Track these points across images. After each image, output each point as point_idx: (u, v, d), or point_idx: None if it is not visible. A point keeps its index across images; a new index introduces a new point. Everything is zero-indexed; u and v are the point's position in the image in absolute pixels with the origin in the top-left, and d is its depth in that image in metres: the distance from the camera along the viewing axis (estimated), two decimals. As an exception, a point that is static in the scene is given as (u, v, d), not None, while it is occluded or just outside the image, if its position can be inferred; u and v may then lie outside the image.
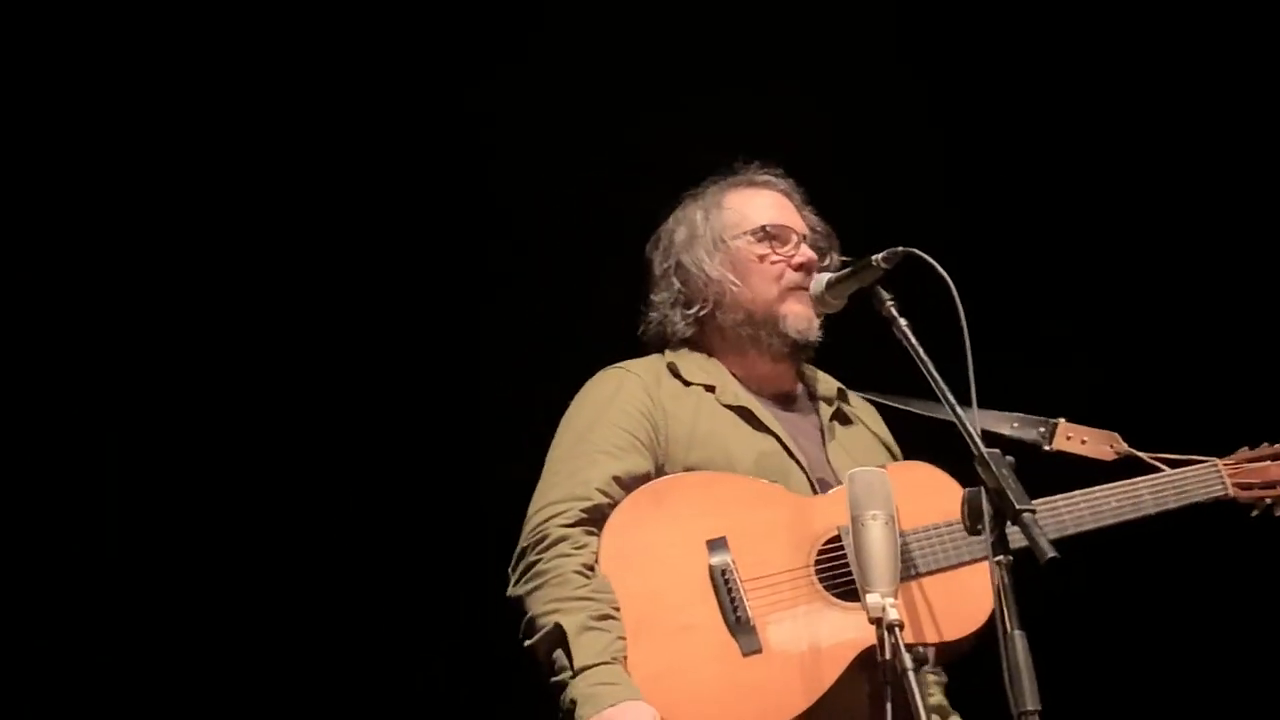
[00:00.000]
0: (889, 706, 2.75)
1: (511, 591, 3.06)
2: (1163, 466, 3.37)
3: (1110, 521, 3.25)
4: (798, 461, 3.23)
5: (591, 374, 3.32)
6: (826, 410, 3.36)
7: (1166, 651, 4.50)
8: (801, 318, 3.29)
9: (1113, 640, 4.45)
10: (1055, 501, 3.19)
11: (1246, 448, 3.46)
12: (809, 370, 3.41)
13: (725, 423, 3.22)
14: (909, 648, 2.77)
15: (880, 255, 3.11)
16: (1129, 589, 4.42)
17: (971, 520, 2.77)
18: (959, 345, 2.88)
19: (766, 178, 3.42)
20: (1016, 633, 2.65)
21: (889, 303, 3.08)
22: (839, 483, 3.21)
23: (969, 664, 3.01)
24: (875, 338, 3.14)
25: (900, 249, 3.08)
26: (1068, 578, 2.74)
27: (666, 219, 3.43)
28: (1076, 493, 3.24)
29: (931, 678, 3.16)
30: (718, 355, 3.33)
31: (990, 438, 3.20)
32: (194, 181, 4.32)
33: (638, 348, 3.40)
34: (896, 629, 2.74)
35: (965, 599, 3.07)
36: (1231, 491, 3.39)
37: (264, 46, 4.36)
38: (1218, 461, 3.41)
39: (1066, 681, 2.93)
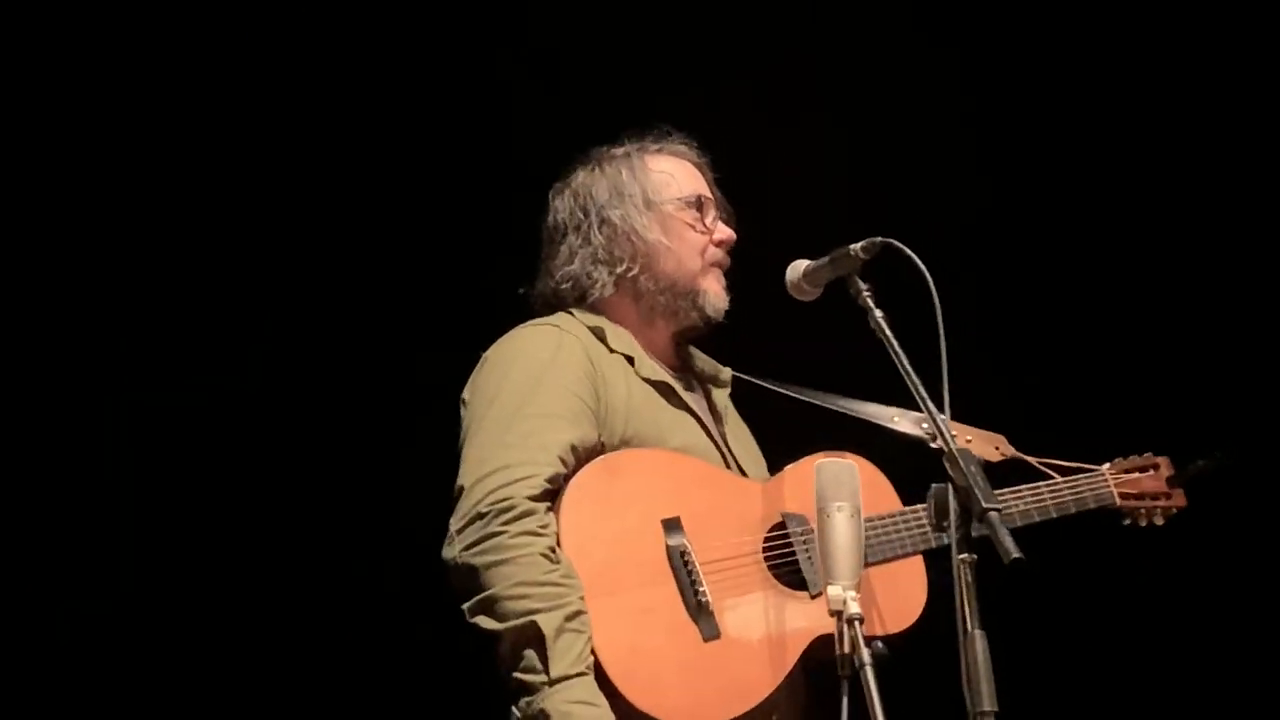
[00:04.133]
0: (844, 700, 2.72)
1: (460, 557, 2.87)
2: (1051, 472, 3.45)
3: (1020, 524, 3.32)
4: (715, 442, 3.22)
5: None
6: (719, 394, 3.34)
7: (1123, 653, 4.54)
8: (719, 297, 3.27)
9: (1068, 642, 4.47)
10: None
11: (1119, 458, 3.59)
12: (689, 349, 3.37)
13: (649, 397, 3.16)
14: (867, 641, 2.74)
15: (859, 245, 3.07)
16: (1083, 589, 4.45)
17: (938, 517, 2.75)
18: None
19: (685, 147, 3.36)
20: (976, 632, 2.64)
21: (865, 293, 3.04)
22: (739, 467, 3.23)
23: (925, 663, 2.99)
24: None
25: (879, 239, 3.04)
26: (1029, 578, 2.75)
27: (574, 172, 3.33)
28: None
29: None
30: (624, 324, 3.24)
31: (871, 431, 3.27)
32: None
33: (523, 303, 3.30)
34: (857, 622, 2.72)
35: (901, 593, 3.10)
36: (1117, 501, 3.53)
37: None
38: (1105, 470, 3.54)
39: (1025, 682, 2.92)
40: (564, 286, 3.26)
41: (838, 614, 2.73)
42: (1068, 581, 4.23)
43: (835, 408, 3.37)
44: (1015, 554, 2.65)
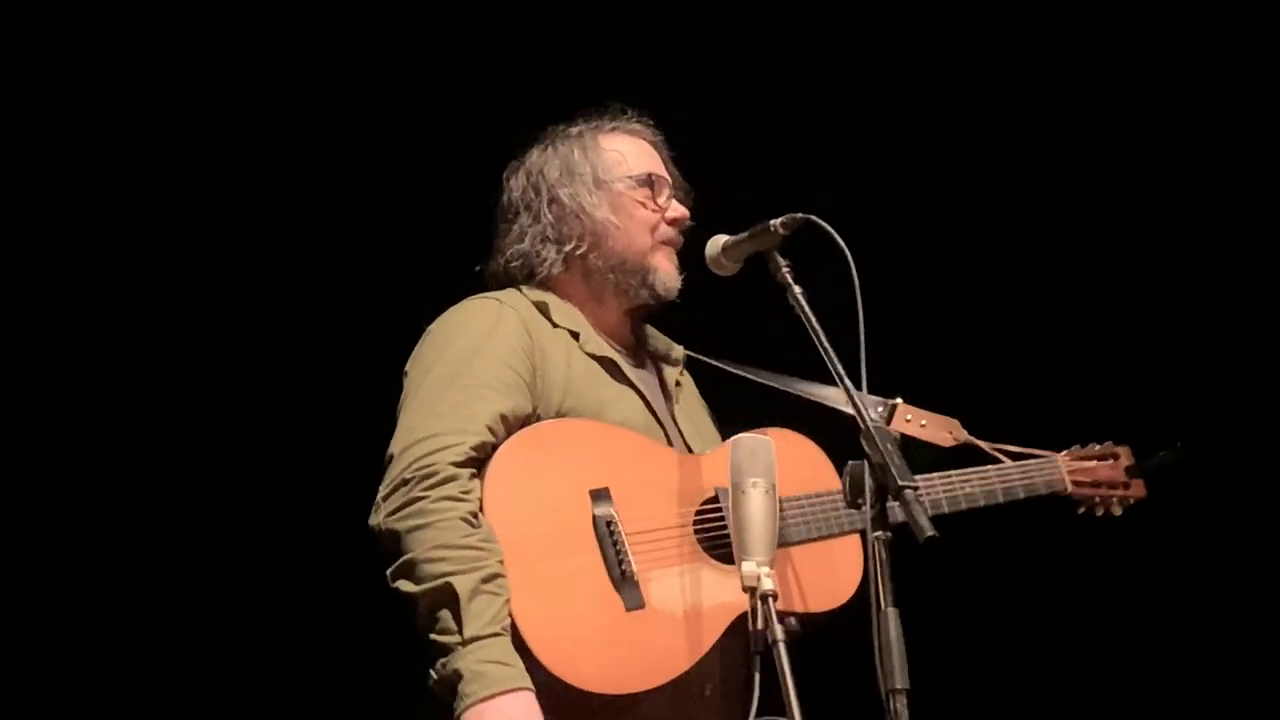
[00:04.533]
0: (756, 676, 2.73)
1: (384, 523, 2.88)
2: (1003, 457, 3.44)
3: (965, 506, 3.33)
4: (657, 419, 3.21)
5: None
6: (671, 371, 3.34)
7: (1034, 635, 4.57)
8: (670, 275, 3.26)
9: (979, 620, 4.49)
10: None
11: (1078, 445, 3.58)
12: (644, 326, 3.38)
13: (591, 372, 3.16)
14: (781, 618, 2.75)
15: (779, 221, 3.06)
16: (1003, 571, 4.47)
17: (852, 494, 2.76)
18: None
19: (641, 126, 3.36)
20: (890, 610, 2.64)
21: (784, 269, 3.03)
22: (686, 444, 3.22)
23: (840, 638, 2.99)
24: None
25: (799, 215, 3.03)
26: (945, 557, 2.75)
27: (528, 151, 3.33)
28: (935, 475, 3.28)
29: None
30: (572, 301, 3.25)
31: (825, 413, 3.26)
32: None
33: (479, 280, 3.29)
34: (770, 599, 2.72)
35: (833, 572, 3.08)
36: (1069, 488, 3.51)
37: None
38: (1057, 456, 3.52)
39: (937, 660, 2.93)
40: (514, 264, 3.26)
41: (751, 590, 2.73)
42: (981, 561, 4.25)
43: (787, 389, 3.36)
44: (930, 532, 2.65)
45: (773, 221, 3.07)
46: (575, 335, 3.18)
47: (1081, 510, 3.58)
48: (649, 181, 3.28)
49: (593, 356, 3.18)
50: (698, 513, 3.05)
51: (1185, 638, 4.56)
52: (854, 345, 2.84)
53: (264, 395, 4.22)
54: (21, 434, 4.04)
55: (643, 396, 3.21)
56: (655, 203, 3.27)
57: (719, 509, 3.05)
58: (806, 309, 2.96)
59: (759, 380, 3.39)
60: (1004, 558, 4.34)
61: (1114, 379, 4.58)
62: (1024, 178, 4.67)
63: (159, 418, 4.16)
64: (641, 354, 3.34)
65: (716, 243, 3.20)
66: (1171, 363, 4.59)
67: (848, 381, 2.85)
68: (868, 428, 2.76)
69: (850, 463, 2.79)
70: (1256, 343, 4.62)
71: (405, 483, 2.88)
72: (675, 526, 3.02)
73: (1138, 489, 3.61)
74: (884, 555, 2.68)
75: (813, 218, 3.01)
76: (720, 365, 3.42)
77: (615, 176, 3.26)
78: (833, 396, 3.28)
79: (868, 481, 2.73)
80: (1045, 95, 4.69)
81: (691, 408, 3.36)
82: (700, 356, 3.41)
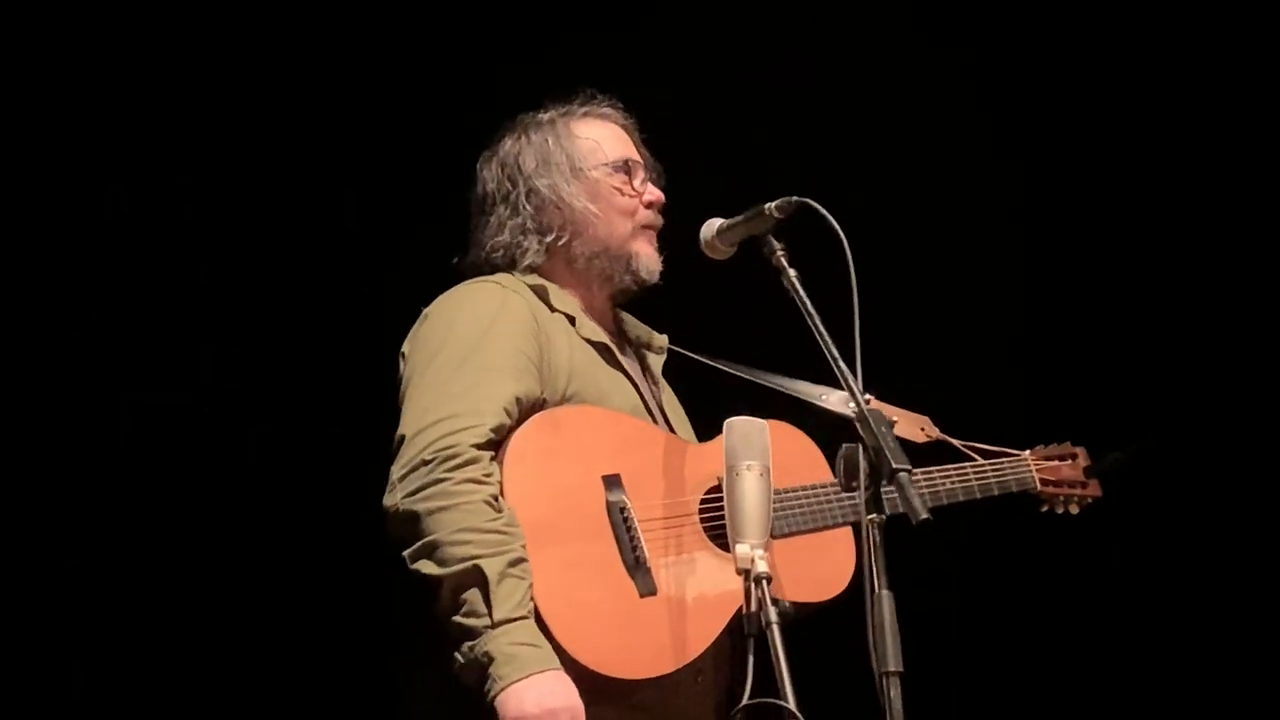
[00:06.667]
0: (750, 659, 2.73)
1: (402, 504, 2.85)
2: (974, 455, 3.47)
3: (945, 502, 3.37)
4: (648, 406, 3.22)
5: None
6: (655, 360, 3.35)
7: (1026, 622, 4.58)
8: (652, 258, 3.26)
9: (973, 606, 4.50)
10: None
11: (1041, 445, 3.61)
12: (624, 314, 3.38)
13: (589, 357, 3.16)
14: (774, 600, 2.75)
15: (774, 204, 3.05)
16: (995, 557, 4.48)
17: (847, 477, 2.75)
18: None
19: (611, 110, 3.36)
20: (884, 592, 2.64)
21: (779, 252, 3.03)
22: (671, 431, 3.22)
23: (832, 622, 2.99)
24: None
25: (794, 199, 3.02)
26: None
27: (501, 141, 3.32)
28: (918, 470, 3.28)
29: None
30: (563, 287, 3.25)
31: (797, 407, 3.27)
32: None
33: (456, 274, 3.26)
34: (765, 581, 2.72)
35: (828, 563, 3.09)
36: (1038, 486, 3.56)
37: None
38: (1027, 455, 3.56)
39: (931, 644, 2.93)
40: (495, 255, 3.24)
41: (745, 572, 2.73)
42: (976, 545, 4.26)
43: (764, 383, 3.36)
44: (924, 515, 2.66)
45: (767, 205, 3.06)
46: (572, 320, 3.18)
47: (1044, 509, 3.62)
48: (625, 167, 3.28)
49: (589, 341, 3.18)
50: (703, 500, 3.06)
51: (1170, 630, 4.59)
52: (848, 330, 2.84)
53: (252, 385, 4.23)
54: (22, 434, 4.04)
55: (634, 383, 3.22)
56: (632, 187, 3.27)
57: (721, 497, 3.03)
58: (802, 292, 2.95)
59: (736, 374, 3.39)
60: (996, 544, 4.35)
61: (1069, 382, 4.63)
62: (1014, 168, 4.69)
63: (150, 412, 4.17)
64: (624, 341, 3.34)
65: (711, 226, 3.18)
66: (1139, 363, 4.63)
67: (843, 365, 2.84)
68: (862, 411, 2.76)
69: (844, 445, 2.78)
70: (1226, 341, 4.65)
71: (425, 463, 2.86)
72: (682, 514, 3.03)
73: (1094, 489, 3.64)
74: (878, 538, 2.68)
75: (808, 201, 3.00)
76: (698, 359, 3.41)
77: (592, 164, 3.25)
78: (808, 392, 3.29)
79: (862, 464, 2.73)
80: (1033, 83, 4.72)
81: (670, 398, 3.36)
82: (679, 350, 3.40)
